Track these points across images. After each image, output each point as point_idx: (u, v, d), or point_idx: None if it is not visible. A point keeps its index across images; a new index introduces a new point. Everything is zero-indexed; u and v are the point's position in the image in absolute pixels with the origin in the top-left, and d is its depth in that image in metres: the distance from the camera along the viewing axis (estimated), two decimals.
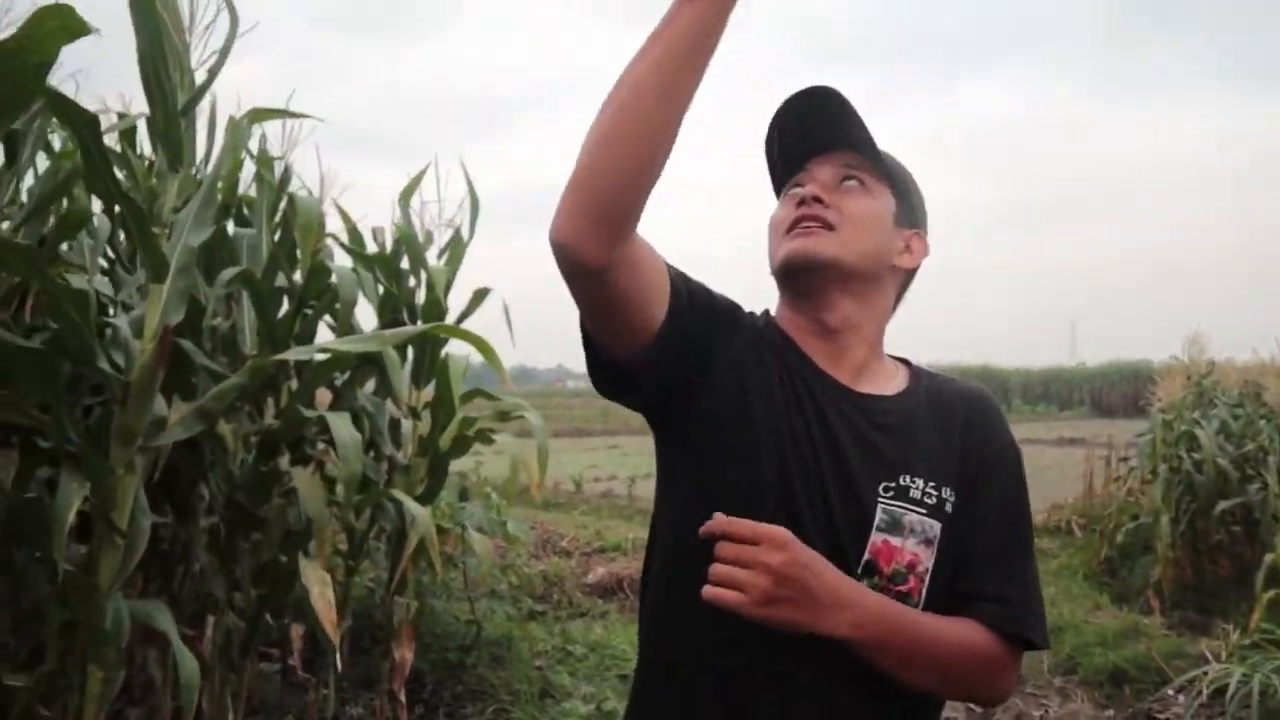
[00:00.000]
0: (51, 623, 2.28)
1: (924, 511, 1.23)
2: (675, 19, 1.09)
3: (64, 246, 2.58)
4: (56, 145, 2.75)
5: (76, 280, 2.27)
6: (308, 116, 3.00)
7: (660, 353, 1.20)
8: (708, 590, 1.09)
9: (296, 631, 3.81)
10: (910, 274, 1.39)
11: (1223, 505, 6.45)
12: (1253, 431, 6.93)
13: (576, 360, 1.29)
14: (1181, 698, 4.38)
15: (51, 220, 2.55)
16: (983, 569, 1.26)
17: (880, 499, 1.23)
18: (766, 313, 1.39)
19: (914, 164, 1.41)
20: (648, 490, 11.72)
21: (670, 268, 1.23)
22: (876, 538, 1.22)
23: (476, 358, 3.30)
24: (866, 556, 1.21)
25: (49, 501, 2.06)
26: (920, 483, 1.24)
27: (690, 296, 1.24)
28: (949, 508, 1.25)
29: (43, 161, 2.63)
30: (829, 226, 1.28)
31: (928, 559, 1.23)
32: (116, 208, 2.53)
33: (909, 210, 1.36)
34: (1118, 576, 7.27)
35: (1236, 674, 3.70)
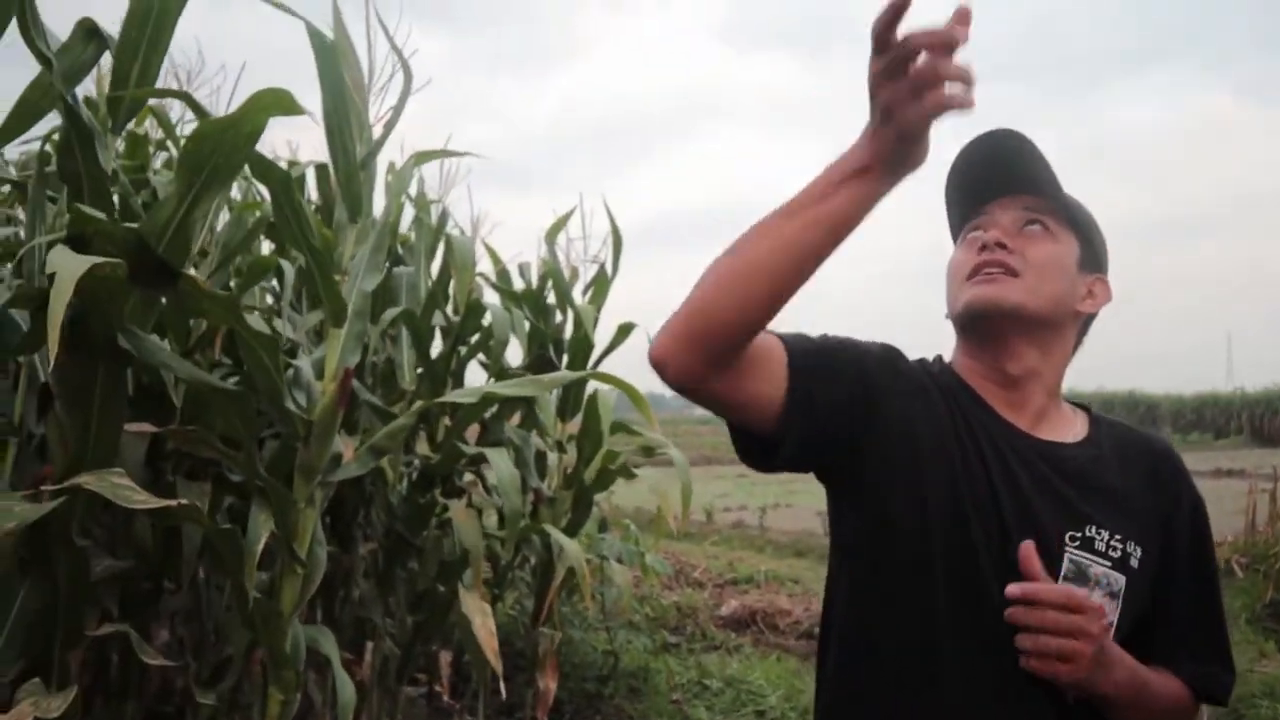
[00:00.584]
0: (238, 645, 2.42)
1: (1109, 564, 1.21)
2: (831, 197, 1.09)
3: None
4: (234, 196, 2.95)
5: (255, 323, 2.42)
6: (467, 155, 3.12)
7: (791, 426, 1.19)
8: (1035, 663, 1.13)
9: (445, 658, 3.91)
10: (1090, 319, 1.36)
11: None
12: None
13: None
14: None
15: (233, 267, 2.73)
16: (1182, 630, 1.28)
17: (1067, 548, 1.20)
18: (940, 358, 1.37)
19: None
20: (778, 521, 11.48)
21: (790, 343, 1.21)
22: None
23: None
24: None
25: (239, 532, 2.19)
26: (1105, 535, 1.22)
27: (820, 363, 1.21)
28: (1134, 562, 1.22)
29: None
30: (1013, 273, 1.25)
31: (1112, 612, 1.20)
32: (296, 254, 2.69)
33: (1092, 254, 1.33)
34: None
35: None
